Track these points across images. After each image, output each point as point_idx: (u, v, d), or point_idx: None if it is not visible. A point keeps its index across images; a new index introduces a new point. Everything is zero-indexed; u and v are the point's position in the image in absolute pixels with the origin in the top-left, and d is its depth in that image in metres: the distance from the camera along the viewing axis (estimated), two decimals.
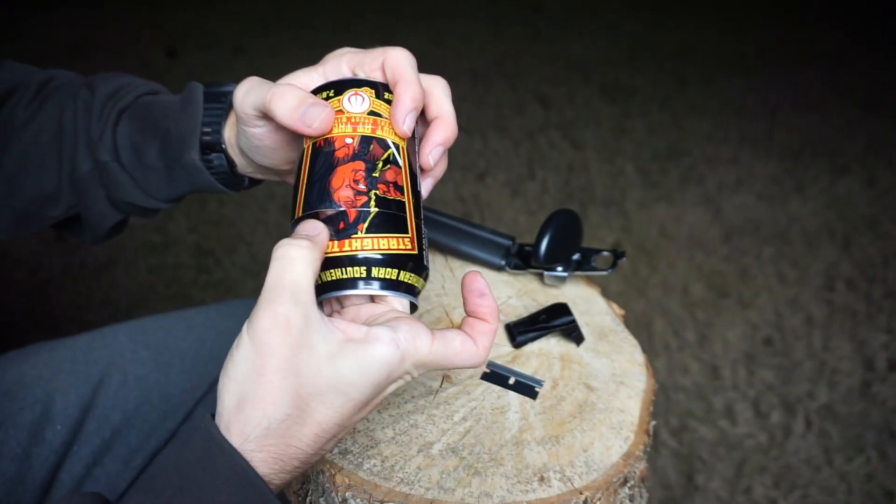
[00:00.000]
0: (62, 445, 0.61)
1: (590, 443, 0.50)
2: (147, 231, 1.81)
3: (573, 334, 0.59)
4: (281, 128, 0.43)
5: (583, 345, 0.60)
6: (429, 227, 0.67)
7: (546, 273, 0.65)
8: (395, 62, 0.43)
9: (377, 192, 0.41)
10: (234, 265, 1.71)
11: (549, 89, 2.64)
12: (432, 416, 0.52)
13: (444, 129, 0.44)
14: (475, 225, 0.68)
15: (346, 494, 0.46)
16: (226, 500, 0.35)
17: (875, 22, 3.38)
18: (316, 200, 0.41)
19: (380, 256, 0.40)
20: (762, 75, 2.77)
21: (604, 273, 0.65)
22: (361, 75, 0.45)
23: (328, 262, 0.40)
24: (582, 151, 2.22)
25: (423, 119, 0.46)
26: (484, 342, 0.41)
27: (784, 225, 1.86)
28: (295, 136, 0.45)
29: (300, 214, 0.42)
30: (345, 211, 0.40)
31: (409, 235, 0.42)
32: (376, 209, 0.41)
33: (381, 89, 0.43)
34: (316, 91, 0.44)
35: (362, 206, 0.41)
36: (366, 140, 0.42)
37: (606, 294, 0.67)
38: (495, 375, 0.56)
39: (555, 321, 0.59)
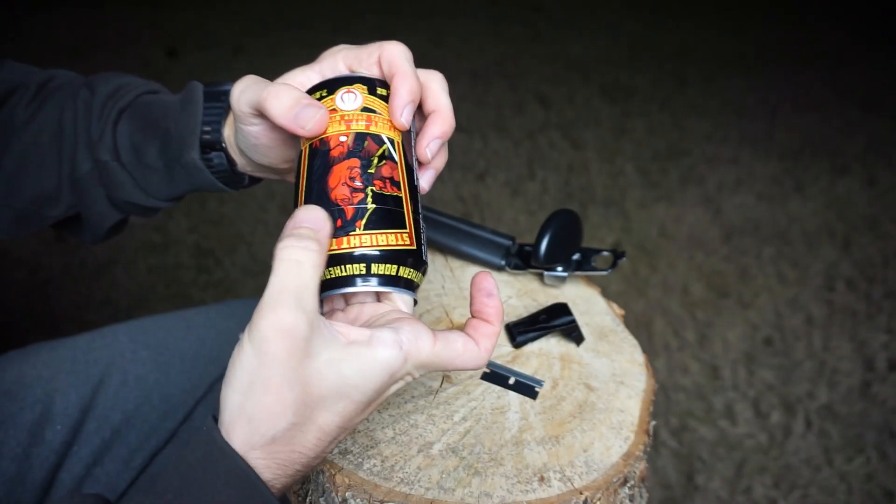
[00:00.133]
0: (62, 445, 0.61)
1: (590, 443, 0.50)
2: (147, 231, 1.81)
3: (573, 334, 0.59)
4: (277, 126, 0.43)
5: (583, 345, 0.60)
6: (429, 227, 0.67)
7: (546, 273, 0.65)
8: (392, 56, 0.43)
9: (373, 188, 0.41)
10: (234, 265, 1.71)
11: (549, 89, 2.64)
12: (432, 416, 0.52)
13: (442, 122, 0.44)
14: (475, 225, 0.68)
15: (346, 494, 0.46)
16: (226, 503, 0.35)
17: (875, 22, 3.38)
18: (314, 201, 0.41)
19: (378, 253, 0.40)
20: (762, 75, 2.77)
21: (604, 273, 0.65)
22: (363, 72, 0.45)
23: (328, 260, 0.40)
24: (582, 151, 2.22)
25: (421, 114, 0.46)
26: (486, 344, 0.41)
27: (784, 225, 1.86)
28: (291, 135, 0.45)
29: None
30: (342, 209, 0.40)
31: (408, 230, 0.42)
32: (373, 206, 0.41)
33: (374, 85, 0.43)
34: (310, 91, 0.44)
35: (359, 203, 0.40)
36: (360, 137, 0.42)
37: (606, 294, 0.67)
38: (495, 375, 0.56)
39: (555, 321, 0.59)
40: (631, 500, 0.51)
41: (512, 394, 0.54)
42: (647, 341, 1.47)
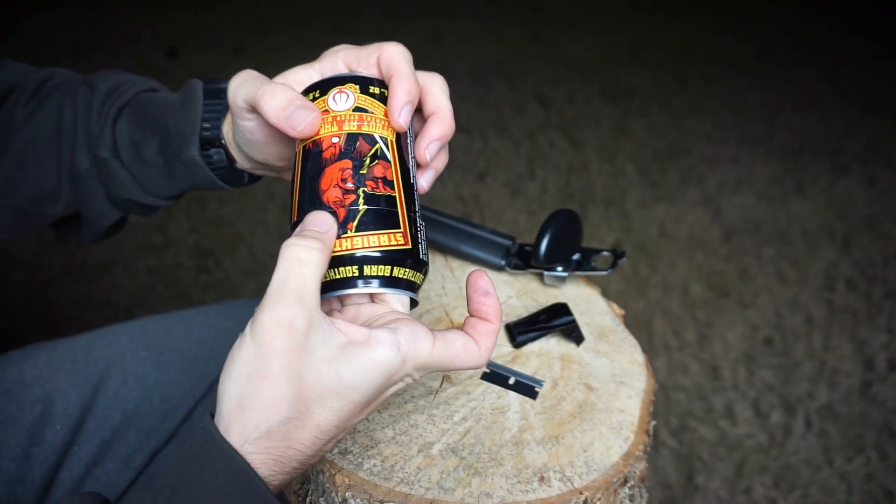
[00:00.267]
0: (62, 445, 0.61)
1: (590, 443, 0.50)
2: (147, 231, 1.81)
3: (573, 334, 0.59)
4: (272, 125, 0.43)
5: (583, 345, 0.60)
6: (429, 227, 0.67)
7: (546, 273, 0.65)
8: (390, 57, 0.43)
9: (365, 189, 0.41)
10: (234, 265, 1.71)
11: (549, 89, 2.64)
12: (432, 416, 0.52)
13: (441, 124, 0.44)
14: (475, 225, 0.68)
15: (346, 494, 0.46)
16: (224, 500, 0.35)
17: (875, 22, 3.38)
18: (307, 203, 0.41)
19: (371, 254, 0.40)
20: (762, 75, 2.77)
21: (604, 273, 0.65)
22: (362, 72, 0.44)
23: None
24: (582, 151, 2.22)
25: (421, 116, 0.46)
26: (486, 343, 0.41)
27: (784, 225, 1.86)
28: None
29: (295, 219, 0.42)
30: (334, 211, 0.40)
31: (402, 230, 0.41)
32: (365, 207, 0.40)
33: (367, 84, 0.43)
34: (304, 93, 0.44)
35: (351, 204, 0.40)
36: (352, 138, 0.42)
37: (606, 294, 0.67)
38: (495, 375, 0.56)
39: (555, 321, 0.59)
40: (631, 500, 0.51)
41: (512, 394, 0.54)
42: (647, 341, 1.47)
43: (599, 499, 0.47)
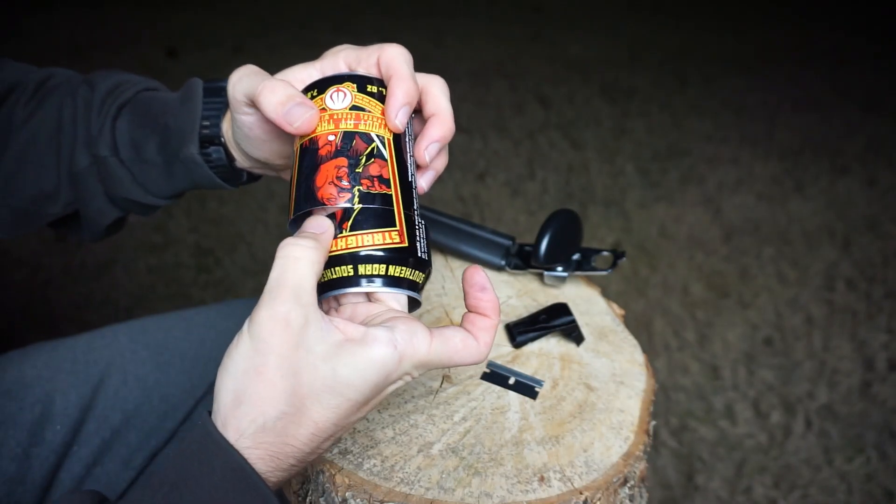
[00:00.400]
0: (62, 445, 0.61)
1: (590, 443, 0.50)
2: (147, 230, 1.81)
3: (573, 334, 0.59)
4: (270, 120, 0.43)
5: (583, 345, 0.60)
6: (429, 227, 0.67)
7: (546, 273, 0.65)
8: (390, 58, 0.43)
9: (360, 187, 0.41)
10: (234, 265, 1.71)
11: (549, 89, 2.64)
12: (432, 416, 0.52)
13: (441, 125, 0.44)
14: (475, 225, 0.68)
15: (346, 494, 0.46)
16: (222, 496, 0.35)
17: (875, 22, 3.38)
18: (303, 201, 0.41)
19: (366, 253, 0.40)
20: (762, 75, 2.77)
21: (604, 273, 0.65)
22: (361, 71, 0.45)
23: None
24: (582, 151, 2.22)
25: (421, 117, 0.46)
26: (485, 338, 0.41)
27: (784, 225, 1.86)
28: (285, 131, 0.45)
29: (292, 216, 0.42)
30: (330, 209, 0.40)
31: (398, 229, 0.41)
32: (360, 205, 0.40)
33: (364, 83, 0.43)
34: (303, 91, 0.44)
35: (346, 202, 0.40)
36: (348, 136, 0.42)
37: (606, 294, 0.67)
38: (495, 375, 0.55)
39: (555, 321, 0.59)
40: (631, 500, 0.51)
41: (512, 394, 0.54)
42: (647, 341, 1.47)
43: (599, 499, 0.47)
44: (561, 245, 0.63)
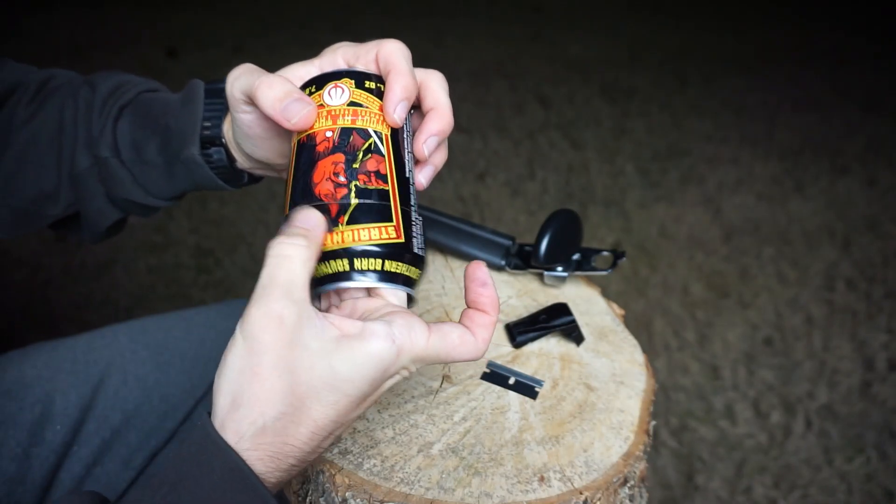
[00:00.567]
0: (62, 445, 0.61)
1: (590, 443, 0.50)
2: (147, 231, 1.81)
3: (573, 334, 0.59)
4: (268, 116, 0.43)
5: (583, 345, 0.60)
6: (429, 227, 0.67)
7: (546, 273, 0.65)
8: (388, 53, 0.43)
9: (357, 183, 0.41)
10: (234, 265, 1.71)
11: (549, 89, 2.64)
12: (432, 416, 0.52)
13: (440, 119, 0.44)
14: (475, 225, 0.68)
15: (346, 494, 0.46)
16: (220, 497, 0.35)
17: (875, 22, 3.38)
18: (300, 197, 0.41)
19: (362, 248, 0.40)
20: (762, 75, 2.77)
21: (604, 273, 0.65)
22: (359, 67, 0.45)
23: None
24: (582, 151, 2.22)
25: (420, 113, 0.46)
26: (483, 334, 0.40)
27: (784, 225, 1.86)
28: (283, 128, 0.45)
29: (287, 213, 0.42)
30: (327, 205, 0.40)
31: (394, 224, 0.41)
32: (357, 200, 0.40)
33: (363, 79, 0.43)
34: (301, 88, 0.44)
35: (342, 198, 0.40)
36: (346, 132, 0.42)
37: (606, 294, 0.67)
38: (495, 375, 0.56)
39: (555, 321, 0.59)
40: (631, 500, 0.51)
41: (512, 394, 0.54)
42: (647, 341, 1.47)
43: (599, 499, 0.47)
44: (561, 245, 0.63)
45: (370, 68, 0.44)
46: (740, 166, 2.14)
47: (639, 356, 0.59)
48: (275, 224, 1.85)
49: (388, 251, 0.41)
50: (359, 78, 0.43)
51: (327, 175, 0.41)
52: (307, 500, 0.51)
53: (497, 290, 0.43)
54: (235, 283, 1.65)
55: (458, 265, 0.69)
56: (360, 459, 0.48)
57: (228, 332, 0.55)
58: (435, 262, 0.69)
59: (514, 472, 0.47)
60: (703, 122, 2.41)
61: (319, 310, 0.38)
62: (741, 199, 1.97)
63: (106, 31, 3.15)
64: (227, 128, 0.51)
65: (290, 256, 0.37)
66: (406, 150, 0.44)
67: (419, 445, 0.49)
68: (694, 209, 1.93)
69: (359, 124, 0.42)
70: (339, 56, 0.45)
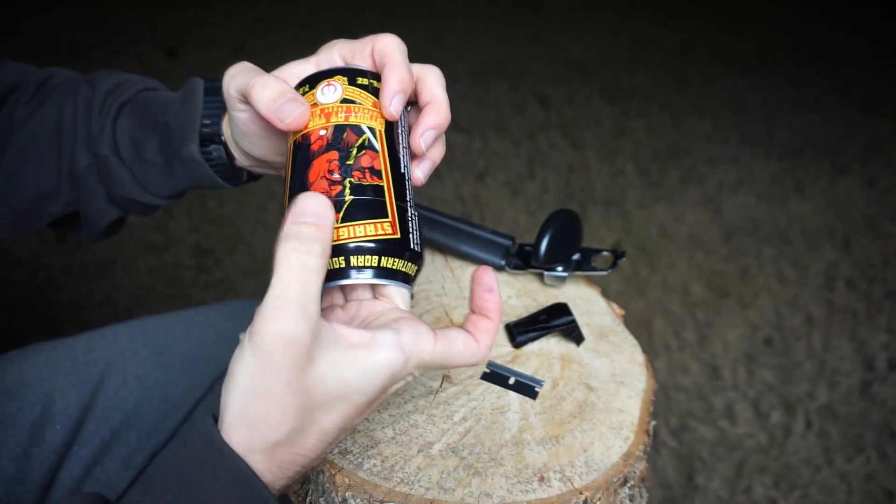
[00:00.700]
0: (62, 445, 0.61)
1: (590, 443, 0.50)
2: (147, 231, 1.81)
3: (573, 334, 0.59)
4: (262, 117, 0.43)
5: (583, 345, 0.60)
6: (429, 227, 0.67)
7: (546, 273, 0.65)
8: (383, 46, 0.43)
9: (352, 179, 0.40)
10: (234, 265, 1.71)
11: (549, 89, 2.64)
12: (432, 416, 0.52)
13: (436, 113, 0.44)
14: (475, 225, 0.68)
15: (346, 494, 0.46)
16: (226, 503, 0.35)
17: (875, 22, 3.38)
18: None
19: (357, 244, 0.40)
20: (762, 75, 2.77)
21: (604, 273, 0.65)
22: (353, 64, 0.44)
23: None
24: (582, 151, 2.22)
25: (417, 108, 0.46)
26: (486, 340, 0.41)
27: (784, 225, 1.86)
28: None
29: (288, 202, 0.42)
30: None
31: (390, 220, 0.41)
32: (351, 197, 0.40)
33: (355, 75, 0.43)
34: (295, 87, 0.44)
35: (337, 195, 0.40)
36: (339, 129, 0.41)
37: (606, 294, 0.67)
38: (495, 375, 0.55)
39: (555, 321, 0.59)
40: (631, 500, 0.51)
41: (512, 394, 0.54)
42: (647, 341, 1.47)
43: (599, 499, 0.47)
44: (561, 245, 0.63)
45: (367, 64, 0.44)
46: (740, 166, 2.14)
47: (639, 356, 0.59)
48: (275, 224, 1.85)
49: (384, 247, 0.40)
50: (351, 75, 0.43)
51: (322, 173, 0.41)
52: (307, 500, 0.51)
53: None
54: (235, 283, 1.65)
55: (458, 265, 0.69)
56: (360, 459, 0.48)
57: (228, 332, 0.55)
58: (435, 262, 0.69)
59: (514, 472, 0.47)
60: (703, 122, 2.41)
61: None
62: (741, 199, 1.97)
63: (106, 31, 3.15)
64: (225, 125, 0.51)
65: (305, 265, 0.35)
66: (402, 146, 0.44)
67: (419, 445, 0.49)
68: (694, 209, 1.93)
69: (352, 121, 0.42)
70: (335, 53, 0.45)
